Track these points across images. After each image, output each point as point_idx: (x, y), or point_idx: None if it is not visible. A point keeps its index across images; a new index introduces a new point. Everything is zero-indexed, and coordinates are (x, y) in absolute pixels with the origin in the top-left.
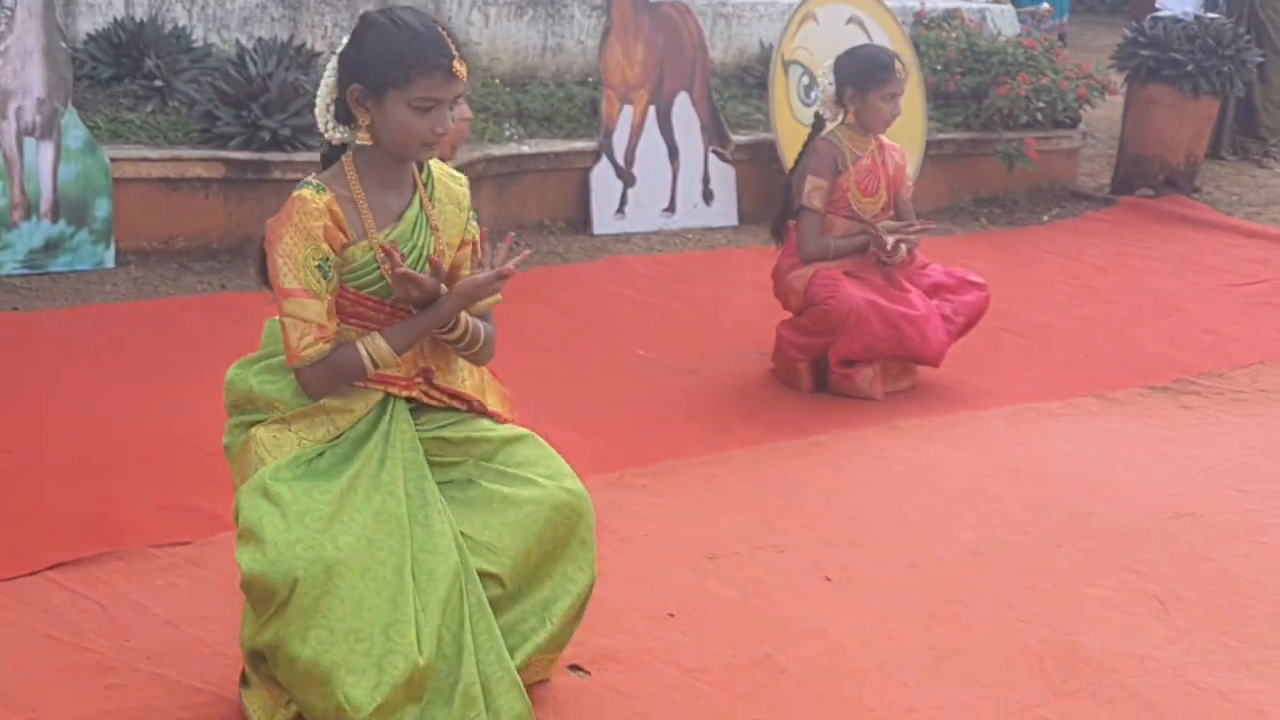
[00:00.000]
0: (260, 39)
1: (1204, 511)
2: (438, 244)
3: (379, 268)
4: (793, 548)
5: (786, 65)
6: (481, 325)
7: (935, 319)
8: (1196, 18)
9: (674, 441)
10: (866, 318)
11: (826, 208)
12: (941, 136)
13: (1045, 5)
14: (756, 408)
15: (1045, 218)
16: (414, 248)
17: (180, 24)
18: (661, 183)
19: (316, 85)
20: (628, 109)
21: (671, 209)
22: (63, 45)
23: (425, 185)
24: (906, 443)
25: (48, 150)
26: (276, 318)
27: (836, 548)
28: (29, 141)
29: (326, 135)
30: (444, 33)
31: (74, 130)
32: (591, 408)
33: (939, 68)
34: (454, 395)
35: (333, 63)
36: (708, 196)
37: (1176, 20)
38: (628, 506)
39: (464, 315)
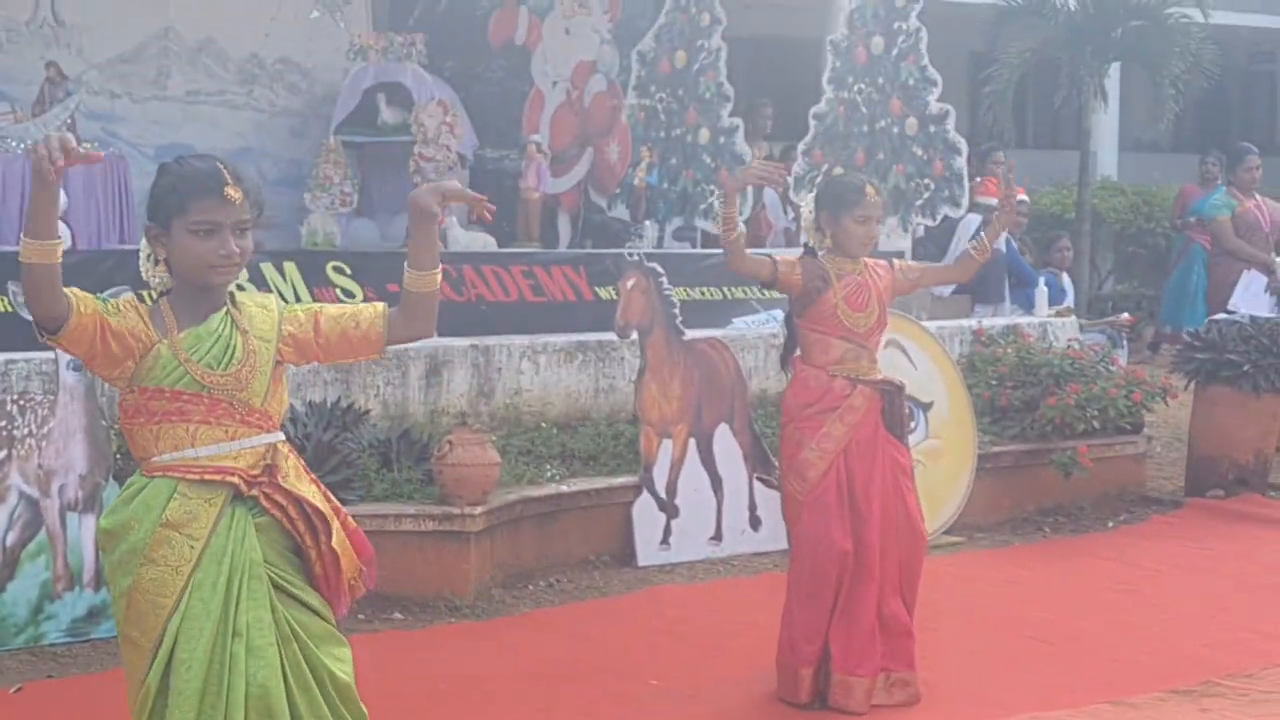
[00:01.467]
0: (311, 402)
1: None
2: (248, 342)
3: (180, 365)
4: None
5: None
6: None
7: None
8: (1252, 319)
9: None
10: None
11: (816, 327)
12: (997, 449)
13: (1125, 316)
14: None
15: (1110, 524)
16: (219, 339)
17: None
18: (706, 512)
19: (363, 445)
20: (667, 443)
21: (718, 538)
22: (103, 423)
23: (234, 302)
24: None
25: (89, 523)
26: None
27: None
28: (71, 516)
29: (147, 279)
30: (223, 167)
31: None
32: None
33: (993, 383)
34: (296, 500)
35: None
36: (755, 523)
37: (1231, 322)
38: None
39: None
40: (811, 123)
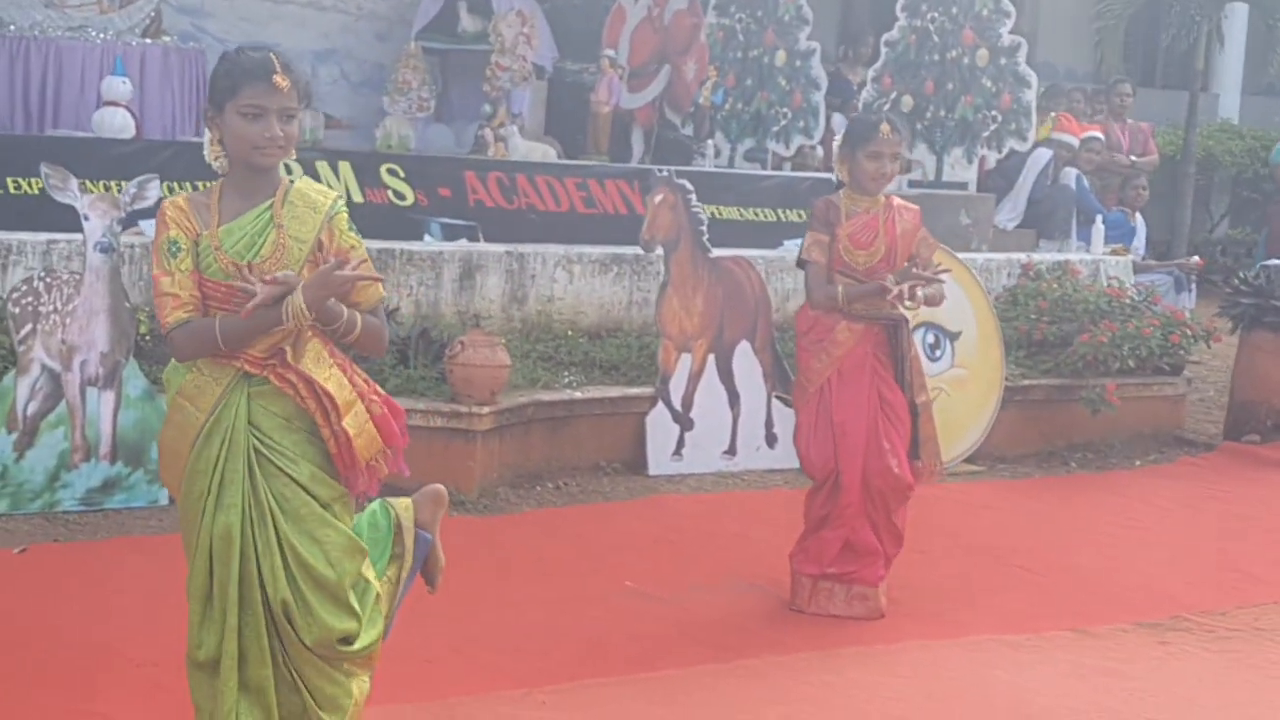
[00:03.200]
0: None
1: None
2: (280, 236)
3: (213, 255)
4: None
5: None
6: (360, 317)
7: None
8: None
9: (602, 664)
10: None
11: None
12: (1028, 382)
13: (1195, 259)
14: (710, 632)
15: (1137, 463)
16: (249, 233)
17: None
18: (721, 427)
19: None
20: (686, 357)
21: (732, 452)
22: (127, 305)
23: (284, 195)
24: (837, 668)
25: (109, 399)
26: None
27: None
28: (91, 391)
29: (209, 160)
30: (274, 57)
31: (134, 380)
32: (542, 631)
33: (1032, 317)
34: (308, 380)
35: None
36: (771, 440)
37: None
38: None
39: (340, 306)
40: (883, 49)
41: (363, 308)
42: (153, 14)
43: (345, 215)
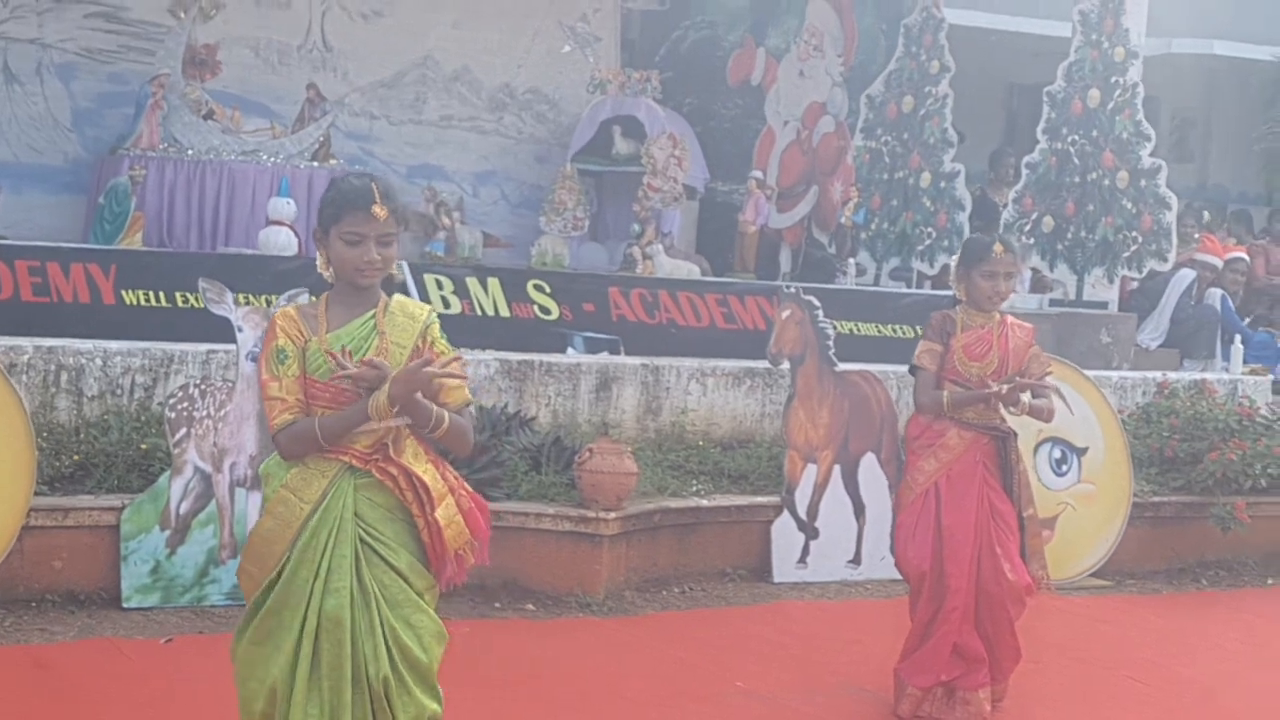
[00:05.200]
0: (481, 406)
1: None
2: (382, 342)
3: (324, 358)
4: None
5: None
6: (447, 415)
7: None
8: None
9: None
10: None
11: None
12: (1158, 499)
13: None
14: None
15: (1270, 581)
16: (356, 340)
17: None
18: (847, 536)
19: (517, 448)
20: (811, 467)
21: (857, 561)
22: None
23: (385, 307)
24: None
25: (256, 499)
26: None
27: None
28: (239, 491)
29: (321, 272)
30: (375, 186)
31: None
32: None
33: (1165, 434)
34: (407, 473)
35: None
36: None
37: None
38: None
39: (428, 403)
40: (1024, 171)
41: (450, 408)
42: (322, 139)
43: (438, 325)
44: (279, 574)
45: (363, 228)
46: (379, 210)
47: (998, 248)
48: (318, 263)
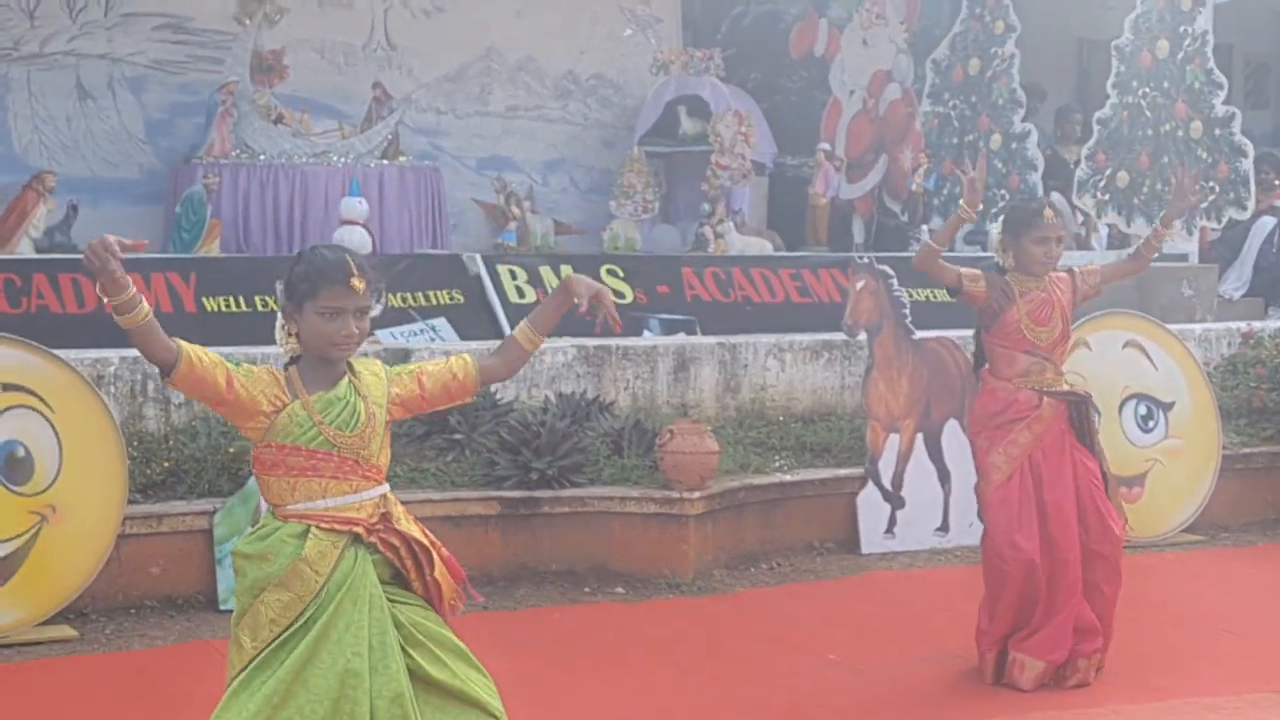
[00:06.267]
0: (561, 393)
1: None
2: (367, 406)
3: (314, 427)
4: None
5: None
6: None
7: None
8: None
9: None
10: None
11: (1002, 341)
12: (1248, 450)
13: None
14: (906, 701)
15: None
16: (347, 404)
17: (491, 385)
18: (934, 504)
19: (597, 433)
20: (894, 437)
21: (944, 529)
22: None
23: (354, 372)
24: None
25: None
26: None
27: None
28: None
29: (281, 348)
30: (350, 260)
31: None
32: (745, 702)
33: (1253, 385)
34: (406, 541)
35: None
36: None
37: None
38: None
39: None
40: (1095, 127)
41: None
42: (390, 136)
43: (392, 369)
44: (284, 640)
45: (341, 301)
46: (357, 283)
47: (1048, 213)
48: (277, 336)
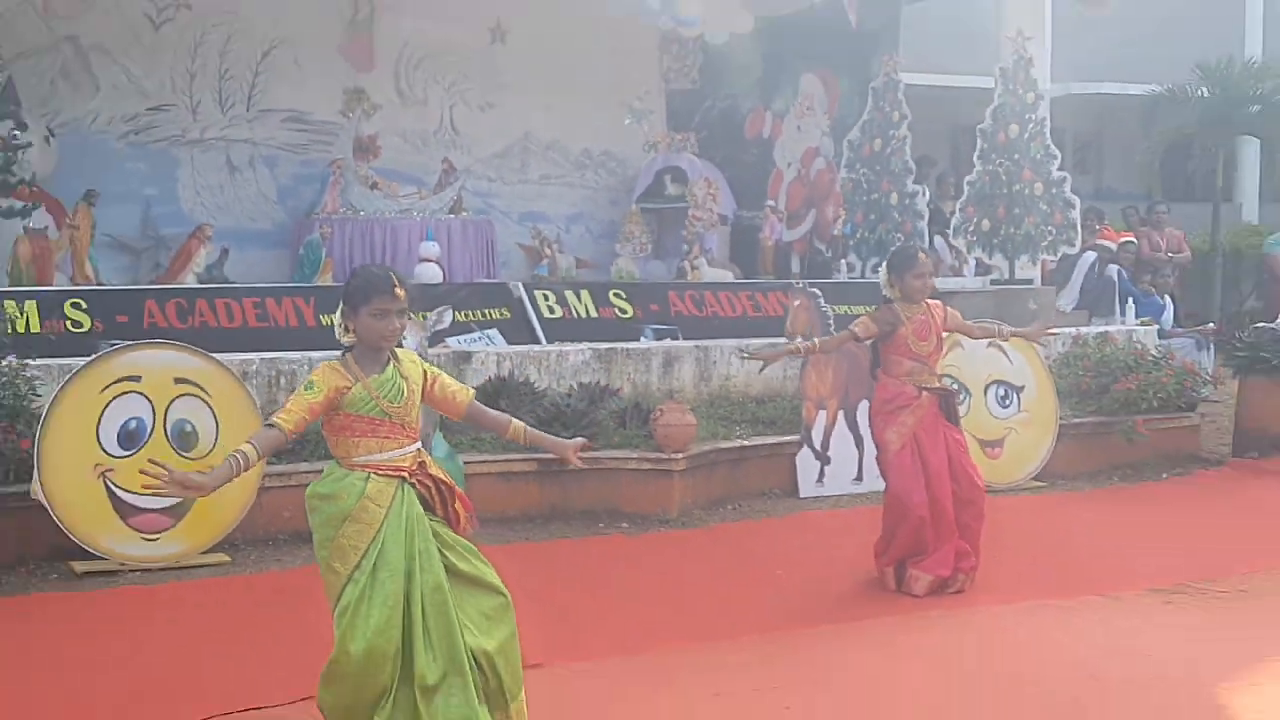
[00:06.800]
0: (581, 383)
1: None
2: (408, 386)
3: (373, 401)
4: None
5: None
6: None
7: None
8: None
9: (742, 621)
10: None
11: (893, 352)
12: (1077, 420)
13: (1210, 326)
14: (825, 605)
15: (1164, 476)
16: (394, 384)
17: (530, 378)
18: (851, 460)
19: (607, 412)
20: (822, 413)
21: (860, 478)
22: None
23: (397, 359)
24: (921, 627)
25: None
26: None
27: None
28: None
29: (339, 339)
30: (393, 274)
31: (440, 445)
32: (709, 596)
33: (1080, 373)
34: (436, 481)
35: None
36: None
37: (1269, 330)
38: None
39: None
40: (966, 187)
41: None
42: (455, 198)
43: (427, 362)
44: (362, 560)
45: (388, 304)
46: (399, 291)
47: (921, 255)
48: (337, 332)
